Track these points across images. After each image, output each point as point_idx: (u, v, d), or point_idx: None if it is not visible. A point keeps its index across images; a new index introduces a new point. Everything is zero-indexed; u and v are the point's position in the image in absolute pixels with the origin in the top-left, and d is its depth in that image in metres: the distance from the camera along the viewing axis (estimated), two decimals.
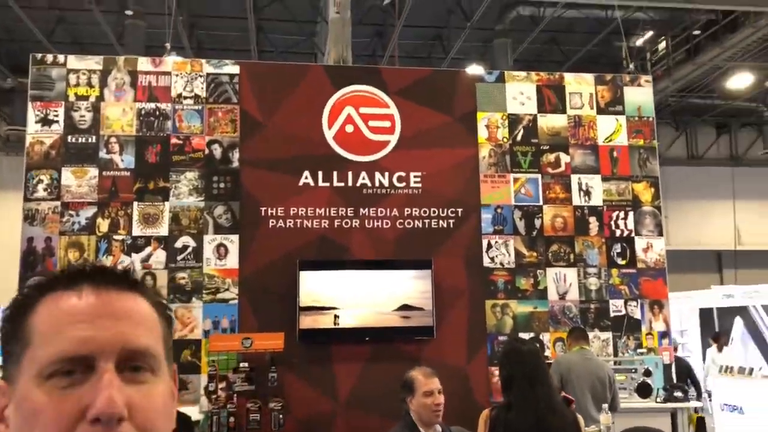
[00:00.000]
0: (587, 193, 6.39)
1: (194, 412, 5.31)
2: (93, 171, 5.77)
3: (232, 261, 5.84)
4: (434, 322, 5.84)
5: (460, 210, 6.19)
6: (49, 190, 5.66)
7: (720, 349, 10.72)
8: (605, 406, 4.26)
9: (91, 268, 0.73)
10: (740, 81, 13.16)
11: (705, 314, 12.09)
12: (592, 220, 6.36)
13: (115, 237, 5.72)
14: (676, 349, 9.13)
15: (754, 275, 14.57)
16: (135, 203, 5.79)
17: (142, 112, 5.93)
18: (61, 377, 0.66)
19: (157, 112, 5.95)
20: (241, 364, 5.45)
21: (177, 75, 6.02)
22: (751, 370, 9.66)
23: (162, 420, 0.70)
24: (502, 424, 2.75)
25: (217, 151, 5.97)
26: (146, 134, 5.90)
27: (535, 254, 6.25)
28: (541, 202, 6.34)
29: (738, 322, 11.50)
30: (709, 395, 10.10)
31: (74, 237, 5.64)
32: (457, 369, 5.80)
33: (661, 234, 6.45)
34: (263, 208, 5.91)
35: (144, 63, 6.04)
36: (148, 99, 5.95)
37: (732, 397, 9.59)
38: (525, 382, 2.77)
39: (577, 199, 6.37)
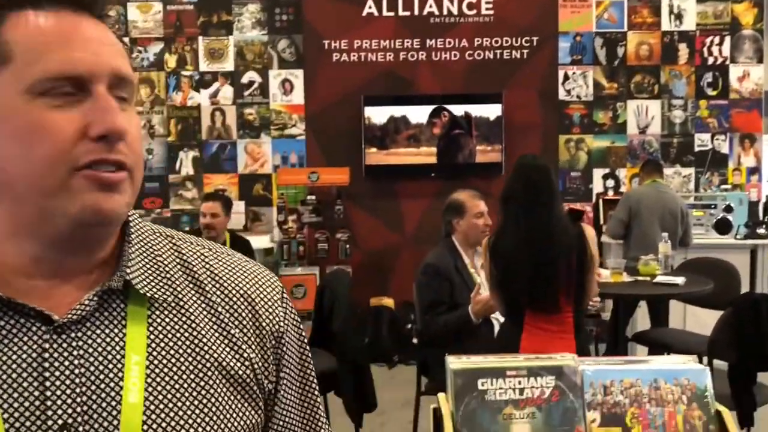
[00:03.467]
0: (678, 16, 5.78)
1: (266, 242, 5.56)
2: (157, 5, 5.74)
3: (298, 96, 5.81)
4: (503, 158, 5.68)
5: (534, 39, 5.79)
6: (117, 26, 5.70)
7: None
8: (665, 235, 4.08)
9: None
10: None
11: None
12: (682, 46, 5.80)
13: (183, 73, 5.78)
14: None
15: None
16: (200, 38, 5.77)
17: None
18: (55, 96, 0.67)
19: None
20: (309, 197, 5.59)
21: None
22: None
23: (140, 147, 0.74)
24: (498, 249, 2.63)
25: None
26: None
27: (615, 86, 5.84)
28: (625, 28, 5.81)
29: None
30: None
31: (145, 73, 5.74)
32: None
33: (761, 61, 5.82)
34: (326, 41, 5.75)
35: None
36: None
37: None
38: (522, 201, 2.58)
39: (667, 24, 5.79)
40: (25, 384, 0.68)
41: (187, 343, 0.75)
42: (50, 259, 0.72)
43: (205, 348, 0.75)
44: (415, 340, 5.44)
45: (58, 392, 0.68)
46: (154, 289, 0.75)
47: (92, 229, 0.71)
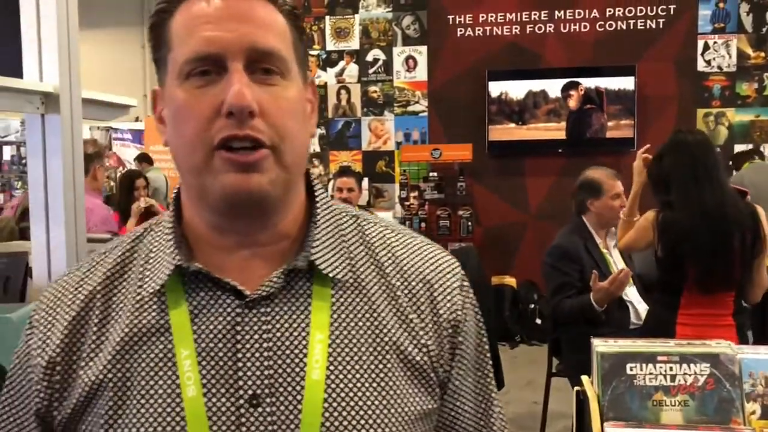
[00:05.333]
0: None
1: (389, 218, 5.63)
2: None
3: (421, 73, 5.81)
4: (635, 133, 5.43)
5: (672, 7, 5.46)
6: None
7: None
8: None
9: None
10: None
11: None
12: None
13: (311, 52, 5.92)
14: None
15: None
16: (327, 17, 5.88)
17: None
18: (197, 77, 0.70)
19: None
20: (431, 174, 5.61)
21: None
22: None
23: (292, 122, 0.72)
24: (669, 227, 2.50)
25: None
26: None
27: (762, 55, 5.41)
28: None
29: None
30: None
31: None
32: None
33: None
34: (451, 17, 5.70)
35: None
36: None
37: None
38: (689, 177, 2.44)
39: None
40: (220, 353, 0.72)
41: (368, 325, 0.75)
42: (228, 230, 0.74)
43: (384, 331, 0.75)
44: (538, 321, 5.38)
45: (249, 363, 0.71)
46: (337, 270, 0.75)
47: (243, 206, 0.72)
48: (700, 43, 5.48)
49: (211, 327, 0.72)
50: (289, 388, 0.71)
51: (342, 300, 0.75)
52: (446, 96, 5.72)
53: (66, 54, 1.52)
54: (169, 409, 0.71)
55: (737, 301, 2.47)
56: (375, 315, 0.75)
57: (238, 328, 0.72)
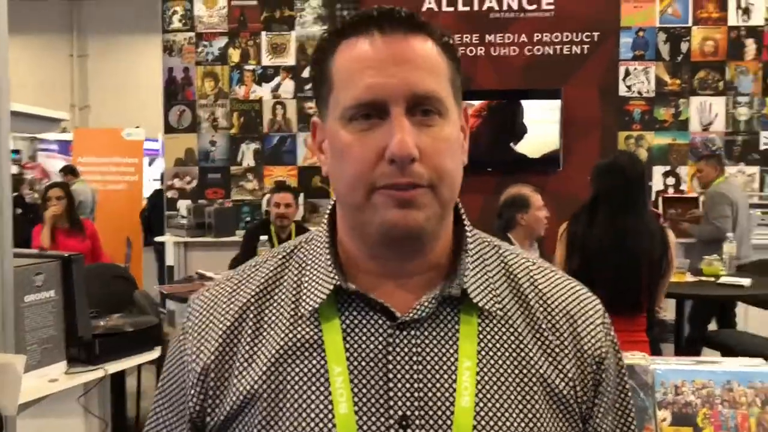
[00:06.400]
0: (746, 11, 5.63)
1: None
2: (222, 1, 5.88)
3: None
4: (561, 155, 5.65)
5: (596, 34, 5.72)
6: (183, 21, 5.87)
7: None
8: (731, 235, 4.03)
9: (379, 13, 0.74)
10: None
11: None
12: (749, 42, 5.65)
13: (246, 67, 5.91)
14: None
15: None
16: (263, 33, 5.89)
17: None
18: (360, 120, 0.73)
19: None
20: None
21: None
22: None
23: (450, 161, 0.74)
24: (580, 243, 2.62)
25: None
26: None
27: (678, 82, 5.73)
28: (690, 23, 5.69)
29: None
30: None
31: (209, 67, 5.89)
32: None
33: None
34: None
35: None
36: None
37: None
38: (618, 204, 2.57)
39: (734, 19, 5.64)
40: (372, 373, 0.73)
41: (513, 355, 0.76)
42: (382, 259, 0.77)
43: (531, 363, 0.76)
44: None
45: (399, 385, 0.73)
46: (485, 300, 0.77)
47: (400, 240, 0.74)
48: (622, 69, 5.76)
49: (363, 346, 0.74)
50: (439, 413, 0.72)
51: (488, 329, 0.77)
52: None
53: None
54: (321, 425, 0.72)
55: (649, 317, 2.61)
56: (521, 346, 0.77)
57: (390, 348, 0.74)
